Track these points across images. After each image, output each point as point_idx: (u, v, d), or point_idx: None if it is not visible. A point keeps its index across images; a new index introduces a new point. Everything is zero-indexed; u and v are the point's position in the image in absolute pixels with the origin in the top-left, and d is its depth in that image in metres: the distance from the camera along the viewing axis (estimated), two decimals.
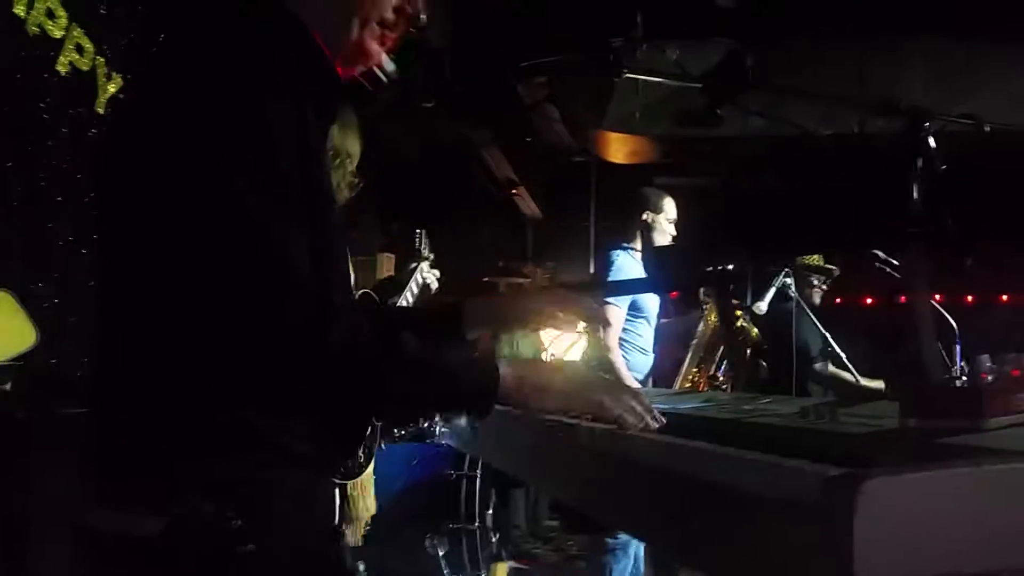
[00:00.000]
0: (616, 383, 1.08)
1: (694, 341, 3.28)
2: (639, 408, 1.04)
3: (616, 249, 3.50)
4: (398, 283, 3.05)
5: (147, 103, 1.02)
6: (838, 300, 7.91)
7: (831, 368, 3.43)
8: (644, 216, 3.51)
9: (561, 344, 5.06)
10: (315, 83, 1.05)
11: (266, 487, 0.98)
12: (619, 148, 5.82)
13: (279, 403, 0.99)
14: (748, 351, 2.91)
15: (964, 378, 0.82)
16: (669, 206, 3.55)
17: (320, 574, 1.06)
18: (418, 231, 3.15)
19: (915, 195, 1.39)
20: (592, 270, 5.73)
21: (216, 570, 0.95)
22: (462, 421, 1.77)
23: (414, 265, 3.08)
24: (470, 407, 1.07)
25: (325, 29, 1.07)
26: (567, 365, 1.18)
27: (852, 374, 3.32)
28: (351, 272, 1.18)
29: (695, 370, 3.25)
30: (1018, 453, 0.64)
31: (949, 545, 0.56)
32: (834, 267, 3.74)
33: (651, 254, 2.94)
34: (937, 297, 2.75)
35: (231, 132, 0.93)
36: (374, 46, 1.11)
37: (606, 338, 3.28)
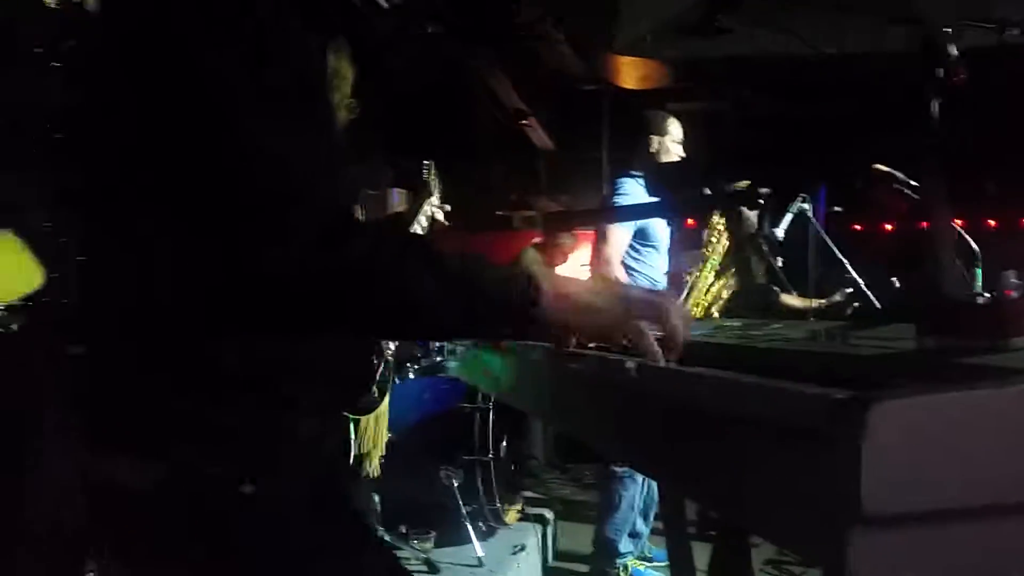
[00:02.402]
0: (654, 301, 0.95)
1: (697, 268, 3.24)
2: (678, 334, 0.94)
3: (624, 176, 3.42)
4: (405, 220, 3.00)
5: (132, 12, 0.95)
6: (857, 227, 7.83)
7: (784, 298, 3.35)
8: (649, 140, 3.43)
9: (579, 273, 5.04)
10: None
11: (271, 432, 0.95)
12: (629, 72, 5.66)
13: (286, 342, 0.95)
14: (764, 276, 2.85)
15: (987, 295, 0.77)
16: (674, 127, 3.45)
17: (326, 517, 1.02)
18: (426, 163, 3.05)
19: (933, 108, 1.31)
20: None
21: (215, 518, 0.92)
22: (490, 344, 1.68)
23: (421, 200, 3.03)
24: (507, 321, 0.94)
25: None
26: (602, 282, 1.04)
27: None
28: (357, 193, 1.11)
29: (706, 294, 3.21)
30: None
31: (968, 473, 0.51)
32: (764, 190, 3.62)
33: (653, 173, 2.86)
34: (959, 222, 2.67)
35: (224, 35, 0.85)
36: None
37: (607, 256, 3.24)
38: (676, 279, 3.51)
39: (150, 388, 0.92)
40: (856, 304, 3.07)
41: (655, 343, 0.93)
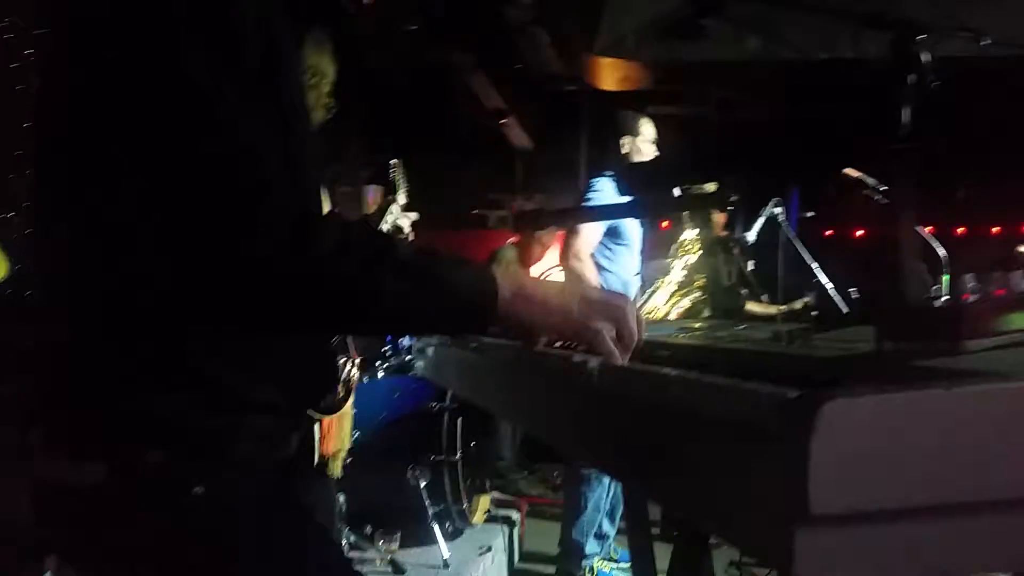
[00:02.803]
0: (610, 303, 0.96)
1: (666, 277, 3.26)
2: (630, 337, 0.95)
3: (599, 176, 3.42)
4: (374, 220, 2.93)
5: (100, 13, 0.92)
6: (829, 232, 7.90)
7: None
8: (622, 141, 3.43)
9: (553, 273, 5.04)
10: None
11: (223, 432, 0.93)
12: (610, 74, 5.67)
13: (240, 340, 0.93)
14: (732, 280, 2.87)
15: (944, 298, 0.76)
16: (646, 128, 3.46)
17: (277, 516, 0.99)
18: (392, 162, 2.92)
19: (904, 114, 1.32)
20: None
21: (164, 519, 0.90)
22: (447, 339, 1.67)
23: (386, 201, 2.88)
24: (467, 318, 0.94)
25: None
26: (562, 284, 1.05)
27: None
28: (322, 190, 1.08)
29: (674, 297, 3.23)
30: (996, 375, 0.59)
31: (917, 474, 0.50)
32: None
33: (623, 172, 2.87)
34: (928, 229, 2.70)
35: (191, 20, 0.83)
36: None
37: (575, 249, 3.24)
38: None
39: (98, 385, 0.90)
40: (816, 312, 3.10)
41: (611, 343, 0.93)
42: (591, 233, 3.30)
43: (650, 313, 3.15)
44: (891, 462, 0.50)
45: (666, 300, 3.21)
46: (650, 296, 3.30)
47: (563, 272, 3.34)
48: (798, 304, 3.16)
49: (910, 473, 0.51)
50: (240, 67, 0.85)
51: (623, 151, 3.44)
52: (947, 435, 0.51)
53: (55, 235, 0.96)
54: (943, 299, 0.78)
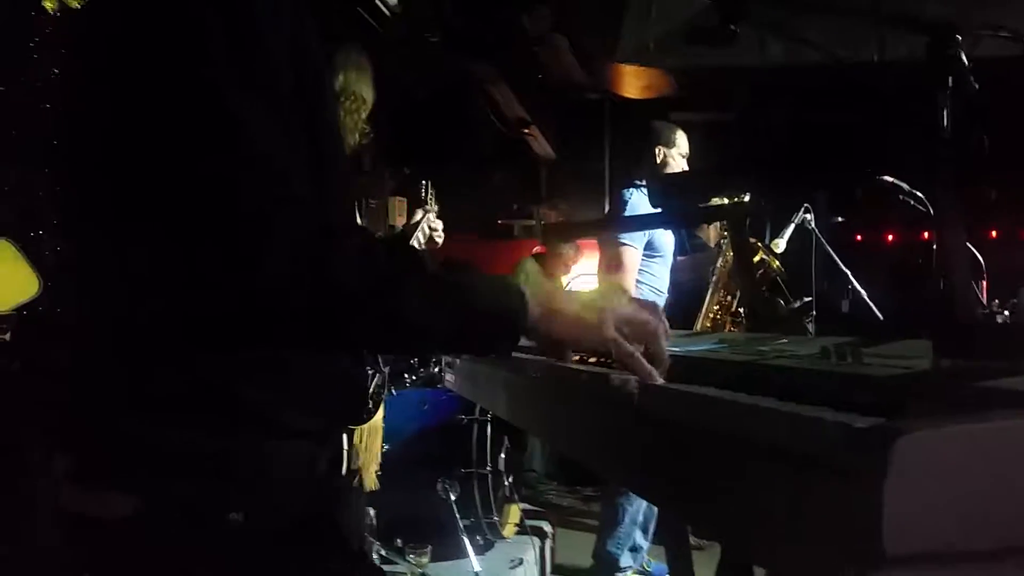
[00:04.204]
0: (641, 319, 0.94)
1: (713, 279, 3.20)
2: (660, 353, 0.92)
3: (630, 188, 3.38)
4: (404, 235, 3.00)
5: (126, 23, 0.89)
6: (859, 237, 7.79)
7: None
8: (656, 151, 3.39)
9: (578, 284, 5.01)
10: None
11: (257, 458, 0.90)
12: (633, 82, 5.63)
13: (276, 366, 0.90)
14: (765, 288, 2.82)
15: (1008, 313, 0.73)
16: (681, 140, 3.42)
17: (316, 542, 0.98)
18: (424, 181, 3.08)
19: (945, 120, 1.28)
20: (607, 211, 5.61)
21: (202, 550, 0.88)
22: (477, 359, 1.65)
23: (419, 216, 3.03)
24: (496, 335, 0.91)
25: None
26: (590, 294, 1.02)
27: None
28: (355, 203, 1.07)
29: (716, 308, 3.17)
30: None
31: (998, 511, 0.47)
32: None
33: (657, 185, 2.84)
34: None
35: (212, 31, 0.82)
36: None
37: (622, 282, 3.19)
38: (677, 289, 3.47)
39: (125, 412, 0.88)
40: (814, 313, 3.04)
41: (645, 364, 0.90)
42: (634, 261, 3.23)
43: (710, 317, 3.10)
44: (972, 500, 0.47)
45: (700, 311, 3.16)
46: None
47: (600, 284, 3.31)
48: (796, 304, 3.10)
49: (990, 511, 0.47)
50: (268, 83, 0.84)
51: (657, 160, 3.39)
52: None
53: (80, 258, 0.95)
54: (1003, 314, 0.75)
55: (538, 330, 0.91)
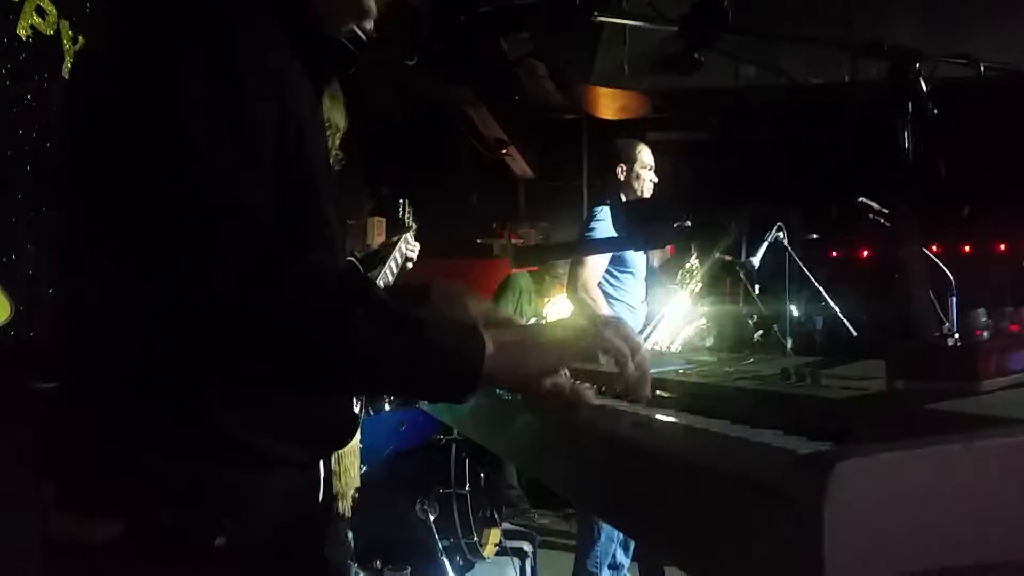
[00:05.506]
0: (595, 324, 0.95)
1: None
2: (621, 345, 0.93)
3: (601, 205, 3.43)
4: (380, 256, 3.00)
5: (108, 51, 0.91)
6: (834, 253, 7.87)
7: None
8: (618, 170, 3.44)
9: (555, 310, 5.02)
10: (301, 35, 0.96)
11: (241, 486, 0.91)
12: (608, 103, 5.69)
13: (259, 390, 0.91)
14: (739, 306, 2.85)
15: (957, 335, 0.74)
16: (644, 154, 3.48)
17: (297, 564, 0.98)
18: (401, 201, 3.11)
19: (906, 141, 1.31)
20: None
21: (181, 572, 0.88)
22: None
23: (396, 237, 3.04)
24: (448, 380, 0.88)
25: None
26: (543, 324, 1.02)
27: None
28: (345, 244, 1.07)
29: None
30: (1016, 421, 0.57)
31: (938, 535, 0.48)
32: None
33: (619, 211, 2.87)
34: (934, 248, 2.68)
35: (196, 78, 0.81)
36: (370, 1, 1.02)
37: (587, 295, 3.23)
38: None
39: (111, 439, 0.88)
40: (761, 332, 3.07)
41: (586, 393, 0.95)
42: (597, 263, 3.30)
43: (656, 345, 3.13)
44: (911, 524, 0.48)
45: (671, 330, 3.19)
46: (655, 326, 3.28)
47: (571, 303, 3.33)
48: (759, 333, 3.12)
49: (931, 535, 0.48)
50: (238, 116, 0.84)
51: (620, 177, 3.45)
52: (970, 492, 0.49)
53: (66, 282, 0.95)
54: (955, 336, 0.76)
55: (496, 375, 0.89)
